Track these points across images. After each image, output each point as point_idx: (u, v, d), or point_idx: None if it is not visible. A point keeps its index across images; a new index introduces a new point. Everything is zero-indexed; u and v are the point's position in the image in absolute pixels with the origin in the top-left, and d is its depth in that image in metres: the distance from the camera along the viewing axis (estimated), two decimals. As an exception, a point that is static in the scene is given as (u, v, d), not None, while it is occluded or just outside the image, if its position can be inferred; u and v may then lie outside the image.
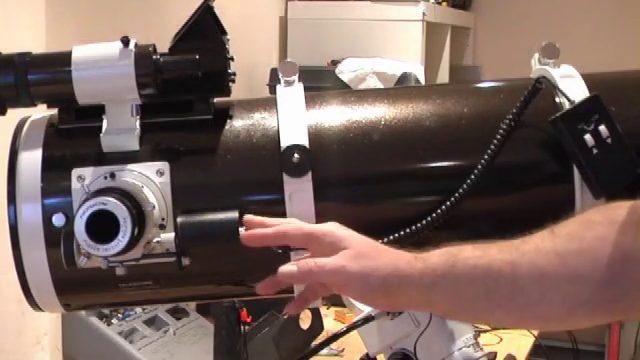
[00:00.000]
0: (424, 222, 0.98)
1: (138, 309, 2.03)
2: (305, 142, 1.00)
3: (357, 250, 0.90)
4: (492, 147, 1.00)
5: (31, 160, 1.00)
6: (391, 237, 0.97)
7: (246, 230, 0.94)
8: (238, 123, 1.04)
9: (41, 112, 1.06)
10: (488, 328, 2.45)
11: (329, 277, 0.90)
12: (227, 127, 1.03)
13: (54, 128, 1.03)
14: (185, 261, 0.94)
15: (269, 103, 1.05)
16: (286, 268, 0.90)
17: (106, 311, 1.96)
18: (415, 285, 0.89)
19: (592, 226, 0.88)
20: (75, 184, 0.98)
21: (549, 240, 0.88)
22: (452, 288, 0.89)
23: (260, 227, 0.94)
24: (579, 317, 0.91)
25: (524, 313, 0.90)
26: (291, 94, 1.05)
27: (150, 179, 0.98)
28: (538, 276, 0.87)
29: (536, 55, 1.09)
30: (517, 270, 0.88)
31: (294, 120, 1.02)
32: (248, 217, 0.95)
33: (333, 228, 0.92)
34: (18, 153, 1.01)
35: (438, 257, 0.90)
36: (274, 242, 0.93)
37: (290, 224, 0.94)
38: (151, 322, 2.06)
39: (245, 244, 0.93)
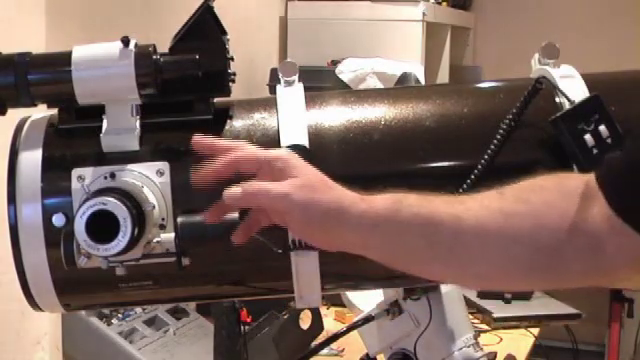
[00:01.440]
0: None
1: (138, 309, 2.02)
2: (305, 142, 1.00)
3: (305, 180, 0.89)
4: (492, 147, 1.00)
5: (31, 160, 1.00)
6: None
7: (195, 148, 0.93)
8: (238, 123, 1.04)
9: (41, 112, 1.06)
10: (488, 328, 2.45)
11: (272, 202, 0.89)
12: (227, 127, 1.03)
13: (54, 128, 1.03)
14: (185, 261, 0.94)
15: (269, 103, 1.05)
16: (231, 190, 0.89)
17: (106, 311, 1.96)
18: (354, 225, 0.88)
19: (541, 191, 0.87)
20: (75, 184, 0.98)
21: (496, 199, 0.87)
22: (392, 233, 0.88)
23: (209, 149, 0.93)
24: (515, 279, 0.91)
25: (463, 269, 0.90)
26: (291, 94, 1.05)
27: (150, 179, 0.98)
28: (481, 232, 0.86)
29: (536, 55, 1.09)
30: (460, 224, 0.87)
31: (294, 120, 1.02)
32: (195, 139, 0.94)
33: (286, 155, 0.92)
34: (18, 153, 1.01)
35: (382, 201, 0.89)
36: (225, 171, 0.91)
37: (242, 150, 0.92)
38: (151, 322, 2.06)
39: (195, 185, 0.92)
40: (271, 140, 1.01)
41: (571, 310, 2.61)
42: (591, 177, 0.86)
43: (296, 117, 1.02)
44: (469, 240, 0.87)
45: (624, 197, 0.82)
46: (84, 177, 0.98)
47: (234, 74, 1.03)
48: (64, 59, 0.99)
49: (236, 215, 0.95)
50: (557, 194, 0.86)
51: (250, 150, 0.93)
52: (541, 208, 0.86)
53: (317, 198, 0.88)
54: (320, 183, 0.90)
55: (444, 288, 1.21)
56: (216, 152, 0.92)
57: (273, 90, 1.07)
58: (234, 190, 0.89)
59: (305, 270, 0.99)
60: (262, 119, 1.04)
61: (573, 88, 1.04)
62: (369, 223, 0.88)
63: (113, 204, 0.91)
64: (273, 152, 0.92)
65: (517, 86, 1.05)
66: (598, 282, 0.92)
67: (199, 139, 0.93)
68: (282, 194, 0.88)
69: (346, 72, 3.07)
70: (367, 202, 0.89)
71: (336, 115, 1.05)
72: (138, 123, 1.00)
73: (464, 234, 0.87)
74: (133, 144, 0.99)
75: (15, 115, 1.04)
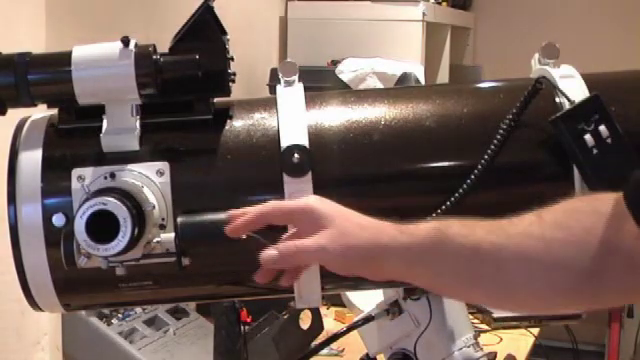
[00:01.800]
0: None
1: (138, 309, 2.02)
2: (305, 142, 1.00)
3: (339, 228, 0.90)
4: (492, 147, 1.00)
5: (31, 160, 1.00)
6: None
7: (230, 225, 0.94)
8: (238, 123, 1.04)
9: (41, 112, 1.06)
10: (488, 328, 2.45)
11: (310, 259, 0.91)
12: (227, 127, 1.03)
13: (54, 128, 1.03)
14: (185, 261, 0.94)
15: (269, 103, 1.05)
16: (268, 253, 0.90)
17: (106, 311, 1.96)
18: (400, 260, 0.89)
19: (579, 216, 0.88)
20: (75, 184, 0.98)
21: (536, 225, 0.88)
22: (437, 265, 0.89)
23: (245, 226, 0.94)
24: (555, 303, 0.92)
25: (505, 296, 0.91)
26: (291, 94, 1.05)
27: (150, 179, 0.98)
28: (523, 260, 0.87)
29: (536, 55, 1.09)
30: (503, 252, 0.88)
31: (294, 120, 1.02)
32: (230, 212, 0.94)
33: (313, 203, 0.92)
34: (18, 153, 1.01)
35: (425, 231, 0.89)
36: (256, 225, 0.92)
37: (269, 204, 0.94)
38: (151, 322, 2.06)
39: (231, 236, 0.93)
40: (271, 140, 1.01)
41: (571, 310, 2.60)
42: (620, 195, 0.86)
43: (296, 117, 1.02)
44: (512, 269, 0.88)
45: None
46: (84, 177, 0.98)
47: (234, 74, 1.03)
48: (64, 59, 0.99)
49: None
50: (593, 217, 0.87)
51: (277, 204, 0.94)
52: (580, 234, 0.87)
53: (353, 244, 0.89)
54: (353, 227, 0.91)
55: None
56: (250, 223, 0.93)
57: (273, 90, 1.07)
58: (270, 253, 0.90)
59: (305, 270, 0.99)
60: (262, 119, 1.04)
61: (573, 88, 1.03)
62: (413, 257, 0.89)
63: (113, 204, 0.91)
64: (302, 202, 0.93)
65: (517, 86, 1.05)
66: (635, 300, 0.93)
67: (232, 228, 0.93)
68: (318, 249, 0.89)
69: (346, 72, 3.07)
70: (407, 234, 0.90)
71: (336, 115, 1.05)
72: (138, 123, 1.00)
73: (507, 263, 0.88)
74: (133, 144, 0.99)
75: (15, 115, 1.04)
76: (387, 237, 0.90)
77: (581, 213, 0.88)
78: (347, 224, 0.91)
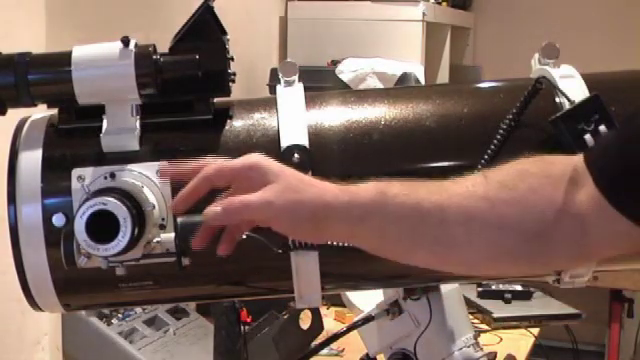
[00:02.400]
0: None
1: (138, 309, 2.02)
2: (305, 142, 1.00)
3: (283, 184, 0.88)
4: (492, 147, 1.00)
5: (31, 160, 1.00)
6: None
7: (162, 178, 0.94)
8: (238, 123, 1.04)
9: (41, 112, 1.06)
10: (488, 328, 2.45)
11: (256, 213, 0.88)
12: (227, 127, 1.03)
13: (54, 128, 1.03)
14: (185, 261, 0.94)
15: (269, 103, 1.05)
16: (211, 210, 0.88)
17: (106, 311, 1.96)
18: (342, 219, 0.88)
19: (526, 177, 0.87)
20: (75, 184, 0.98)
21: (480, 185, 0.88)
22: (379, 224, 0.88)
23: (178, 176, 0.93)
24: (502, 265, 0.92)
25: (448, 256, 0.90)
26: (291, 94, 1.05)
27: (150, 179, 0.98)
28: (465, 219, 0.87)
29: (536, 55, 1.09)
30: (444, 212, 0.87)
31: (294, 120, 1.02)
32: (163, 167, 0.94)
33: (258, 160, 0.90)
34: (18, 153, 1.01)
35: (366, 192, 0.88)
36: (200, 190, 0.90)
37: (211, 164, 0.91)
38: (151, 322, 2.06)
39: (176, 212, 0.92)
40: (271, 140, 1.01)
41: (571, 310, 2.60)
42: (579, 160, 0.87)
43: (296, 117, 1.02)
44: (454, 228, 0.88)
45: (612, 178, 0.83)
46: (84, 177, 0.98)
47: (234, 74, 1.03)
48: (64, 59, 0.99)
49: None
50: (543, 179, 0.87)
51: (221, 163, 0.91)
52: (526, 194, 0.87)
53: (299, 199, 0.87)
54: (299, 183, 0.89)
55: (444, 288, 1.21)
56: (185, 177, 0.91)
57: (273, 90, 1.07)
58: (213, 209, 0.88)
59: (305, 270, 0.99)
60: (262, 119, 1.04)
61: (573, 88, 1.04)
62: (355, 216, 0.88)
63: (113, 204, 0.91)
64: (245, 160, 0.90)
65: (517, 86, 1.05)
66: (583, 264, 0.92)
67: (164, 169, 0.94)
68: (264, 203, 0.87)
69: (346, 72, 3.07)
70: (349, 194, 0.88)
71: (336, 115, 1.05)
72: (138, 123, 1.00)
73: (448, 222, 0.87)
74: (133, 144, 0.99)
75: (15, 115, 1.04)
76: (330, 195, 0.88)
77: (530, 175, 0.88)
78: (292, 179, 0.89)
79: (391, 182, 0.89)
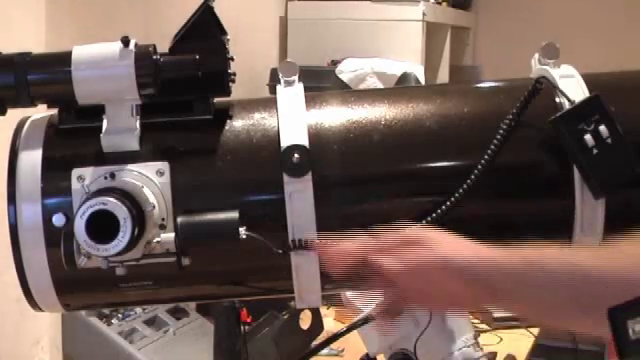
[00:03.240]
0: (423, 223, 0.98)
1: (138, 309, 2.03)
2: (305, 142, 0.99)
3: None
4: (492, 147, 1.00)
5: (31, 160, 1.00)
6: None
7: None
8: (238, 123, 1.03)
9: (41, 112, 1.06)
10: (488, 328, 2.45)
11: None
12: (227, 127, 1.03)
13: (54, 128, 1.03)
14: (185, 261, 0.94)
15: (269, 103, 1.05)
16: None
17: (106, 311, 1.96)
18: None
19: None
20: (75, 184, 0.98)
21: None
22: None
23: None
24: None
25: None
26: (291, 94, 1.05)
27: (150, 179, 0.98)
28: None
29: (536, 55, 1.09)
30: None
31: (294, 120, 1.01)
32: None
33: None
34: (18, 153, 1.01)
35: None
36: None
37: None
38: (151, 322, 2.06)
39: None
40: (271, 140, 1.01)
41: (571, 310, 2.60)
42: None
43: (296, 117, 1.02)
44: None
45: None
46: (84, 177, 0.98)
47: (234, 74, 1.03)
48: (64, 59, 0.98)
49: (236, 215, 0.94)
50: None
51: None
52: None
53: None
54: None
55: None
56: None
57: (273, 90, 1.07)
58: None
59: (305, 270, 0.99)
60: (262, 119, 1.04)
61: (573, 88, 1.03)
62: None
63: (113, 204, 0.91)
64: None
65: (517, 86, 1.05)
66: None
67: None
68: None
69: (346, 72, 3.07)
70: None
71: (336, 115, 1.05)
72: (138, 123, 1.00)
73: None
74: (133, 144, 0.99)
75: (15, 115, 1.04)
76: None
77: None
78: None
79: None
